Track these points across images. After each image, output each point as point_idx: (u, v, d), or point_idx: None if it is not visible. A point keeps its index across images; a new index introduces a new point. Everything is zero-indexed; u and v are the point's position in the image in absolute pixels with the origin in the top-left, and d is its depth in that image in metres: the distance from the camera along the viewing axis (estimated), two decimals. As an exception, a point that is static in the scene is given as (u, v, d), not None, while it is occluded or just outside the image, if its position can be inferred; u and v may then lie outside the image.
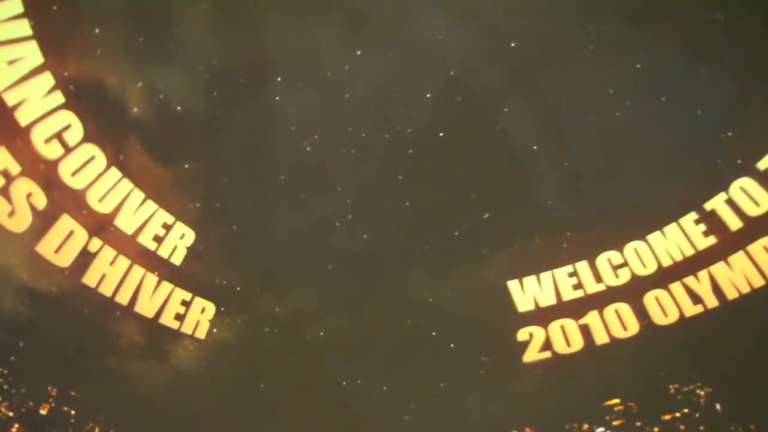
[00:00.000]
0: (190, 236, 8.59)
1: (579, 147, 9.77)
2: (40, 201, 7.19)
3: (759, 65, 8.38)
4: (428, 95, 9.43)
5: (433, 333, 11.11)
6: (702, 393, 11.03)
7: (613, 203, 9.70)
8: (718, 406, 10.93)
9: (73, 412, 10.30)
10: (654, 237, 9.06)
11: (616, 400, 11.38)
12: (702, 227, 8.74)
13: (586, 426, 11.55)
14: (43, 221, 7.31)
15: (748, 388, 10.09)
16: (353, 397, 11.38)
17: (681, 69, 8.75)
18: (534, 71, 9.27)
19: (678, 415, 11.07)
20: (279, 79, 9.23)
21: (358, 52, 9.02)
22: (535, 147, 9.78)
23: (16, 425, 9.95)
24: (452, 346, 11.11)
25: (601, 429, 11.52)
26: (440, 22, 8.79)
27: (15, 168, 6.99)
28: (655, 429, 11.26)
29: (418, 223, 10.43)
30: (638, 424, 11.30)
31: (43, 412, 10.13)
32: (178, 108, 9.06)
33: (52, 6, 7.30)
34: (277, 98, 9.33)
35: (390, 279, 10.92)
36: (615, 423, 11.38)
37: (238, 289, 9.90)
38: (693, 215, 8.81)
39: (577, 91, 9.33)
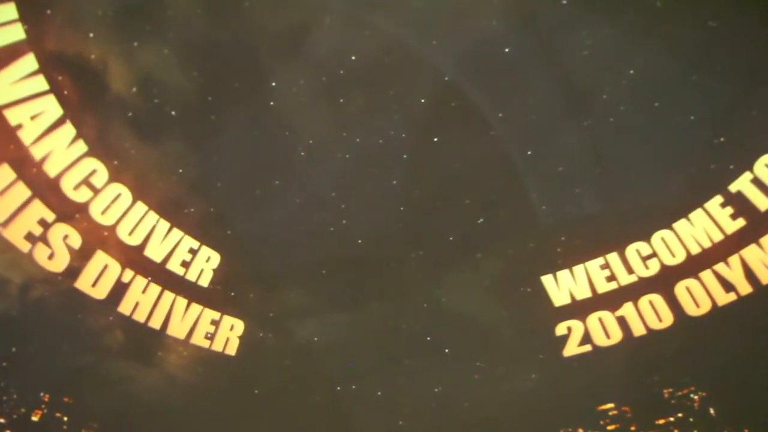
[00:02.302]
0: (216, 258, 9.12)
1: (574, 151, 9.77)
2: (76, 241, 7.83)
3: (752, 71, 8.42)
4: (423, 100, 9.42)
5: (428, 338, 11.12)
6: (696, 397, 11.06)
7: (612, 205, 9.71)
8: (712, 411, 10.96)
9: (65, 419, 10.26)
10: (680, 225, 8.81)
11: (610, 405, 11.39)
12: (729, 210, 8.45)
13: (580, 431, 11.56)
14: (80, 259, 7.98)
15: (742, 393, 10.12)
16: (347, 401, 11.36)
17: (674, 75, 8.78)
18: (528, 76, 9.28)
19: (672, 419, 11.09)
20: (273, 84, 9.21)
21: (353, 58, 9.00)
22: (529, 152, 9.79)
23: (8, 432, 9.91)
24: (447, 351, 11.12)
25: (596, 434, 11.54)
26: (435, 28, 8.78)
27: (50, 216, 7.61)
28: (650, 433, 11.29)
29: (413, 228, 10.42)
30: (632, 428, 11.31)
31: (35, 418, 10.09)
32: (173, 113, 9.09)
33: (65, 60, 7.76)
34: (272, 103, 9.32)
35: (384, 284, 10.91)
36: (609, 428, 11.39)
37: (232, 294, 9.87)
38: (718, 198, 8.53)
39: (571, 96, 9.35)
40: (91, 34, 8.00)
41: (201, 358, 10.08)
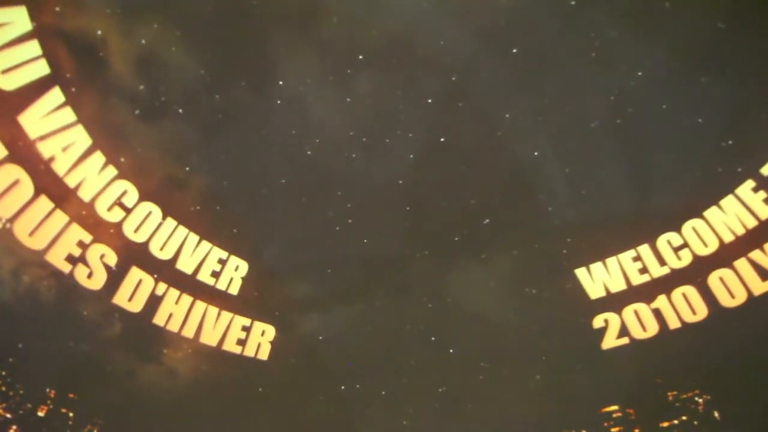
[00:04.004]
0: (244, 267, 9.47)
1: (580, 153, 9.75)
2: (112, 259, 8.33)
3: (760, 73, 8.39)
4: (429, 100, 9.42)
5: (432, 338, 11.12)
6: (700, 400, 11.03)
7: (618, 209, 9.67)
8: (716, 414, 10.93)
9: (71, 415, 10.31)
10: (711, 212, 8.50)
11: (614, 407, 11.37)
12: (762, 194, 8.17)
13: (584, 432, 11.55)
14: (116, 276, 8.46)
15: (747, 396, 10.08)
16: (352, 401, 11.37)
17: (682, 77, 8.75)
18: (536, 77, 9.27)
19: (676, 422, 11.06)
20: (281, 82, 9.23)
21: (360, 57, 9.01)
22: (536, 153, 9.78)
23: (14, 427, 9.95)
24: (451, 351, 11.11)
25: (599, 436, 11.51)
26: (442, 28, 8.78)
27: (87, 237, 8.15)
28: (654, 436, 11.27)
29: (418, 228, 10.42)
30: (636, 431, 11.29)
31: (41, 414, 10.14)
32: (180, 111, 9.14)
33: (90, 91, 8.21)
34: (279, 101, 9.33)
35: (389, 283, 10.92)
36: (613, 430, 11.37)
37: (236, 294, 9.89)
38: (750, 183, 8.25)
39: (578, 97, 9.33)
40: (112, 60, 8.37)
41: (204, 355, 10.10)
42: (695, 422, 10.94)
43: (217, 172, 9.71)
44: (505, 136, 9.64)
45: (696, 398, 11.09)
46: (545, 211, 10.16)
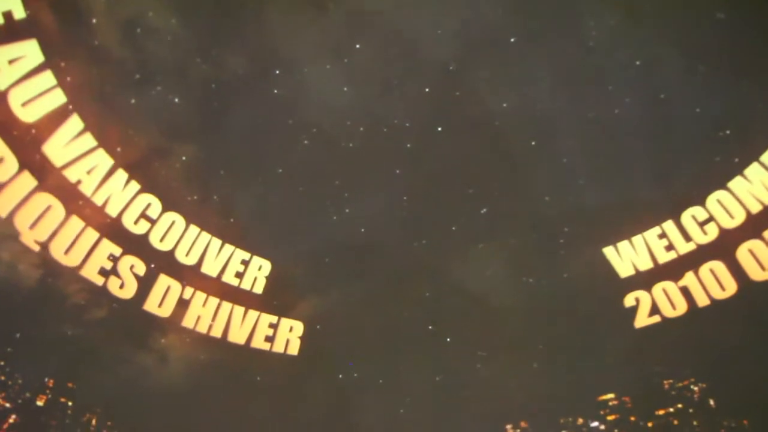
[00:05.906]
0: (267, 266, 9.67)
1: (578, 143, 9.75)
2: (141, 269, 8.69)
3: (758, 63, 8.36)
4: (427, 90, 9.39)
5: (430, 327, 11.15)
6: (696, 388, 11.13)
7: (615, 200, 9.71)
8: (711, 402, 11.03)
9: (70, 404, 10.38)
10: (736, 183, 8.26)
11: (610, 395, 11.47)
12: None
13: (581, 420, 11.65)
14: (146, 284, 8.82)
15: (742, 384, 10.15)
16: (349, 390, 11.43)
17: (680, 67, 8.72)
18: (533, 67, 9.24)
19: (672, 410, 11.17)
20: (277, 71, 9.19)
21: (357, 46, 8.98)
22: (533, 142, 9.76)
23: (14, 416, 10.02)
24: (448, 340, 11.16)
25: (596, 423, 11.63)
26: (440, 18, 8.74)
27: (117, 250, 8.54)
28: (649, 424, 11.37)
29: (416, 218, 10.43)
30: (632, 418, 11.40)
31: (40, 403, 10.21)
32: (176, 99, 9.14)
33: (105, 114, 8.65)
34: (276, 91, 9.30)
35: (386, 273, 10.92)
36: (609, 418, 11.48)
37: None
38: None
39: (576, 87, 9.31)
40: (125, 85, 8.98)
41: (203, 344, 10.14)
42: (690, 410, 11.04)
43: (214, 162, 9.73)
44: (502, 126, 9.62)
45: (691, 386, 11.19)
46: (542, 199, 10.17)
